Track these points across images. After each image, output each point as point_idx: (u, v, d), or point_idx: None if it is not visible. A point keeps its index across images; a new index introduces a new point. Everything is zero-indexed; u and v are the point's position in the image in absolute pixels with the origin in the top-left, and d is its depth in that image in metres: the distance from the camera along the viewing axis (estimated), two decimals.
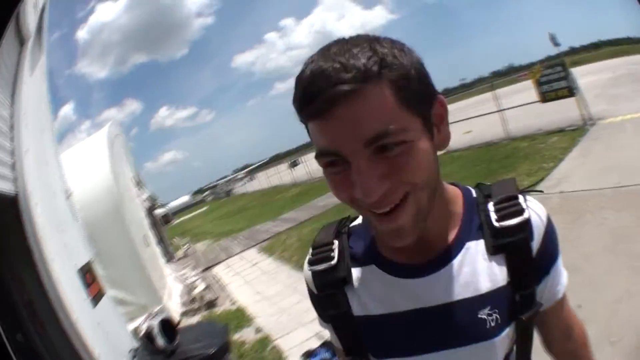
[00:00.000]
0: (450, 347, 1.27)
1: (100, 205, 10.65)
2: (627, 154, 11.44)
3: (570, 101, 17.16)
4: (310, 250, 1.43)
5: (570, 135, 15.82)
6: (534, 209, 1.31)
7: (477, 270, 1.25)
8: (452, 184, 1.38)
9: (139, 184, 18.09)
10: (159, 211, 23.45)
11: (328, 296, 1.38)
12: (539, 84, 17.93)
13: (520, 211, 1.26)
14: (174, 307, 11.83)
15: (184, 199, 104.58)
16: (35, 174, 4.53)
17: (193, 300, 12.26)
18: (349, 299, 1.34)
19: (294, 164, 44.71)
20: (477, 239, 1.28)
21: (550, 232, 1.32)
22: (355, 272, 1.34)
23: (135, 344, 6.15)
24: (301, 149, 60.40)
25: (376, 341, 1.34)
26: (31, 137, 4.65)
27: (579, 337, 1.61)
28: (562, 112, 17.90)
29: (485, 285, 1.24)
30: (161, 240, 20.03)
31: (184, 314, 11.85)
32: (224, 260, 17.24)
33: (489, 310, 1.25)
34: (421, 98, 1.06)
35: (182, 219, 62.14)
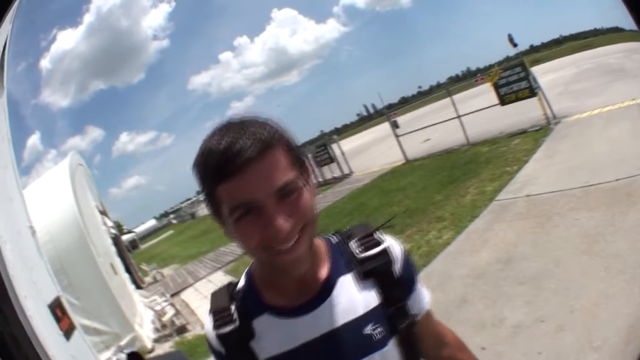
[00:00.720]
0: None
1: (67, 237, 10.62)
2: (596, 151, 11.52)
3: (532, 101, 17.19)
4: (212, 316, 1.62)
5: (533, 136, 15.91)
6: (390, 241, 1.67)
7: (353, 297, 1.54)
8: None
9: (103, 212, 17.97)
10: (125, 237, 23.32)
11: (236, 353, 1.57)
12: (497, 86, 17.98)
13: (379, 242, 1.62)
14: (146, 334, 11.80)
15: (150, 223, 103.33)
16: (0, 212, 4.56)
17: (164, 326, 12.23)
18: (253, 349, 1.54)
19: None
20: (347, 272, 1.59)
21: (407, 257, 1.69)
22: (254, 325, 1.55)
23: None
24: None
25: None
26: None
27: (454, 342, 1.90)
28: (524, 113, 18.01)
29: (363, 307, 1.53)
30: (129, 268, 19.90)
31: (156, 341, 11.82)
32: (191, 285, 17.13)
33: (372, 325, 1.53)
34: (299, 159, 1.41)
35: (149, 243, 61.58)
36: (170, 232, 68.56)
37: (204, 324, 1.71)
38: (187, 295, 15.81)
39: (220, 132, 1.33)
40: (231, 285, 1.69)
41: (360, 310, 1.53)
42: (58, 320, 5.22)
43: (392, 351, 1.56)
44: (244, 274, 1.72)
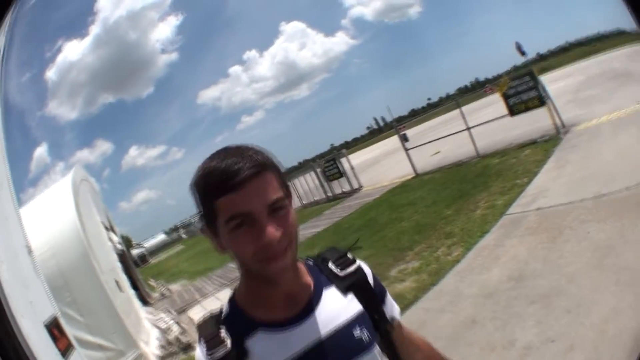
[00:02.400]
0: None
1: (69, 253, 10.56)
2: (604, 160, 11.33)
3: (541, 111, 17.05)
4: (203, 343, 1.67)
5: (543, 146, 15.69)
6: (359, 260, 1.92)
7: (339, 306, 1.75)
8: None
9: (110, 227, 17.92)
10: (135, 252, 23.39)
11: None
12: (506, 97, 17.84)
13: (353, 261, 1.89)
14: (152, 351, 11.71)
15: (160, 237, 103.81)
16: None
17: (170, 344, 12.14)
18: None
19: None
20: (329, 287, 1.79)
21: (374, 273, 1.94)
22: (247, 344, 1.63)
23: None
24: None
25: None
26: None
27: (425, 346, 2.08)
28: (533, 123, 17.84)
29: (348, 314, 1.74)
30: (136, 284, 19.83)
31: (162, 359, 11.73)
32: (198, 302, 16.93)
33: (359, 329, 1.72)
34: (285, 184, 1.63)
35: (159, 258, 61.79)
36: (181, 247, 68.72)
37: (195, 353, 1.72)
38: (194, 313, 15.52)
39: (220, 155, 1.53)
40: (215, 313, 1.78)
41: (347, 317, 1.73)
42: (55, 339, 5.13)
43: (379, 352, 1.76)
44: (227, 301, 1.81)
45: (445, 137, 22.05)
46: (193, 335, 12.81)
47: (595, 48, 53.71)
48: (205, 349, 1.63)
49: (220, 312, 1.78)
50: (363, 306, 1.80)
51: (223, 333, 1.65)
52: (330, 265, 1.87)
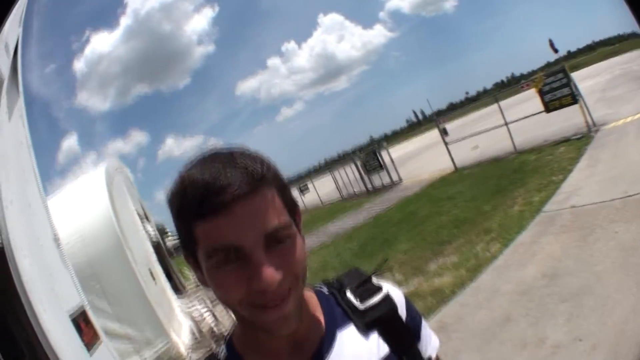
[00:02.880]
0: None
1: (101, 242, 10.59)
2: (631, 160, 11.45)
3: (572, 108, 17.27)
4: None
5: (577, 144, 15.83)
6: (389, 285, 1.50)
7: (358, 350, 1.33)
8: None
9: (145, 217, 17.99)
10: (170, 242, 23.42)
11: None
12: (542, 93, 18.01)
13: (379, 289, 1.45)
14: (182, 341, 11.74)
15: None
16: (20, 225, 4.44)
17: (202, 334, 12.16)
18: None
19: (303, 189, 44.39)
20: (345, 326, 1.38)
21: (409, 302, 1.51)
22: None
23: None
24: (311, 174, 60.28)
25: None
26: (14, 188, 4.56)
27: None
28: (565, 120, 18.03)
29: (371, 359, 1.33)
30: (170, 274, 19.93)
31: (194, 349, 11.74)
32: None
33: (407, 347, 1.40)
34: (292, 203, 1.22)
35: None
36: None
37: None
38: None
39: (204, 163, 1.13)
40: (211, 357, 1.43)
41: None
42: (81, 331, 5.10)
43: None
44: (224, 342, 1.46)
45: (484, 132, 21.99)
46: (227, 325, 12.86)
47: (617, 49, 53.72)
48: None
49: (215, 357, 1.43)
50: (390, 348, 1.36)
51: None
52: (349, 295, 1.44)
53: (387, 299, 1.42)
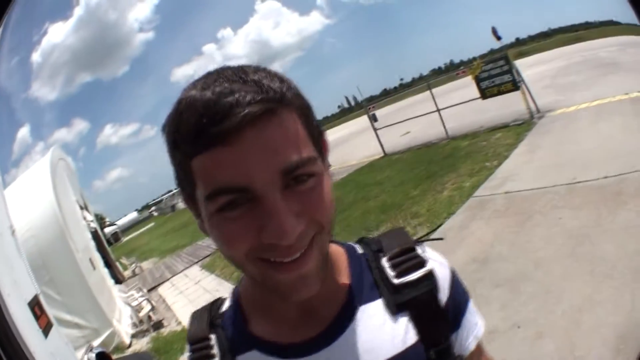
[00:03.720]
0: None
1: (47, 233, 10.74)
2: (581, 147, 10.95)
3: (516, 95, 16.77)
4: (188, 346, 1.23)
5: (515, 130, 15.51)
6: (436, 259, 1.21)
7: (380, 334, 1.09)
8: (332, 241, 1.17)
9: (84, 206, 17.97)
10: (107, 230, 23.37)
11: None
12: (478, 80, 17.74)
13: (421, 263, 1.16)
14: (124, 330, 11.92)
15: (132, 215, 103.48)
16: None
17: (141, 322, 12.31)
18: None
19: None
20: (372, 299, 1.14)
21: (456, 281, 1.22)
22: None
23: None
24: None
25: None
26: None
27: None
28: (507, 107, 17.64)
29: (390, 349, 1.08)
30: (108, 262, 19.93)
31: (134, 336, 11.91)
32: (168, 279, 17.29)
33: (444, 335, 1.14)
34: (318, 129, 0.98)
35: (130, 236, 61.53)
36: (152, 224, 68.51)
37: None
38: (164, 290, 15.88)
39: (208, 78, 0.88)
40: (214, 306, 1.28)
41: (389, 352, 1.07)
42: (37, 317, 5.31)
43: None
44: (231, 292, 1.29)
45: (415, 117, 21.87)
46: (163, 313, 13.16)
47: (578, 35, 53.36)
48: (189, 355, 1.21)
49: (217, 308, 1.27)
50: (419, 336, 1.11)
51: (213, 339, 1.18)
52: (384, 263, 1.18)
53: (429, 277, 1.15)
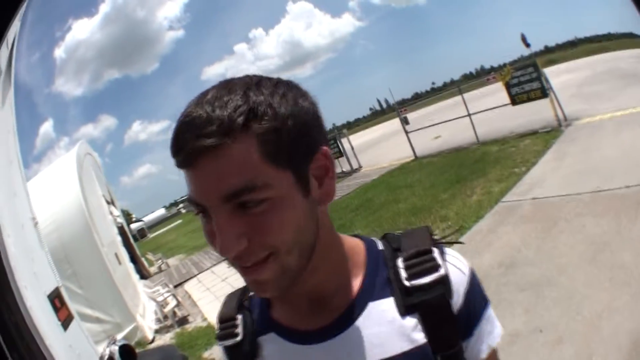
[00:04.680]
0: None
1: (72, 227, 10.75)
2: (606, 156, 11.04)
3: (544, 102, 16.83)
4: (217, 325, 1.35)
5: (544, 137, 15.56)
6: (454, 263, 1.19)
7: (387, 331, 1.12)
8: (356, 236, 1.29)
9: (111, 201, 18.05)
10: (134, 226, 23.47)
11: None
12: (508, 86, 17.73)
13: (435, 267, 1.14)
14: (148, 325, 11.90)
15: (160, 212, 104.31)
16: (5, 206, 4.62)
17: (166, 317, 12.30)
18: None
19: None
20: (384, 296, 1.16)
21: (473, 287, 1.19)
22: (260, 343, 1.25)
23: None
24: None
25: None
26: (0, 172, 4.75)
27: None
28: (535, 114, 17.69)
29: (395, 347, 1.10)
30: (134, 257, 20.01)
31: (158, 332, 11.90)
32: (195, 276, 17.30)
33: (452, 343, 1.12)
34: (295, 151, 0.99)
35: (157, 232, 61.99)
36: (179, 221, 68.86)
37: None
38: (190, 287, 15.91)
39: (198, 97, 1.00)
40: (246, 289, 1.38)
41: (394, 350, 1.10)
42: (57, 310, 5.29)
43: None
44: None
45: (446, 122, 21.93)
46: (189, 309, 13.08)
47: (603, 46, 52.99)
48: (217, 332, 1.34)
49: (248, 291, 1.37)
50: (427, 339, 1.11)
51: (239, 320, 1.29)
52: (399, 262, 1.18)
53: (442, 282, 1.13)
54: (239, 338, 1.27)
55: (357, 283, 1.19)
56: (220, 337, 1.32)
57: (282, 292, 1.04)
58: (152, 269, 23.23)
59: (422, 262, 1.16)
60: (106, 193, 17.47)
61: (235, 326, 1.29)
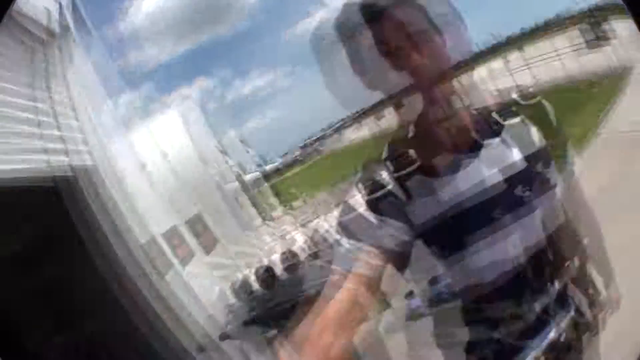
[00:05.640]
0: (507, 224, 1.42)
1: (189, 170, 11.00)
2: None
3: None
4: (361, 186, 1.46)
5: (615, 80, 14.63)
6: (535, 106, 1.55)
7: (501, 158, 1.45)
8: None
9: (224, 151, 18.36)
10: (269, 167, 23.85)
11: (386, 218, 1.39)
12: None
13: (516, 112, 1.52)
14: (274, 263, 12.20)
15: (280, 158, 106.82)
16: (109, 148, 4.78)
17: (293, 255, 12.44)
18: (407, 213, 1.40)
19: None
20: (492, 137, 1.48)
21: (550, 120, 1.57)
22: (407, 187, 1.40)
23: (231, 300, 6.36)
24: None
25: (440, 235, 1.44)
26: (95, 115, 4.89)
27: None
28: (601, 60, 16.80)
29: (511, 168, 1.44)
30: (255, 204, 20.40)
31: (286, 270, 12.16)
32: (320, 216, 17.20)
33: (522, 188, 1.43)
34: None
35: (280, 178, 63.38)
36: (300, 167, 70.02)
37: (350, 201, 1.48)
38: (318, 226, 15.90)
39: None
40: (373, 159, 1.53)
41: (510, 171, 1.42)
42: (174, 248, 5.46)
43: (539, 219, 1.46)
44: (386, 146, 1.56)
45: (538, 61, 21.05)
46: (315, 247, 13.23)
47: None
48: (362, 190, 1.43)
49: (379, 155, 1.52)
50: (528, 163, 1.45)
51: (384, 174, 1.43)
52: (494, 115, 1.51)
53: (523, 123, 1.51)
54: (390, 186, 1.40)
55: (470, 127, 1.48)
56: (371, 191, 1.41)
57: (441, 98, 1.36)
58: (276, 213, 23.59)
59: (508, 110, 1.54)
60: (217, 144, 17.78)
61: (382, 178, 1.42)
